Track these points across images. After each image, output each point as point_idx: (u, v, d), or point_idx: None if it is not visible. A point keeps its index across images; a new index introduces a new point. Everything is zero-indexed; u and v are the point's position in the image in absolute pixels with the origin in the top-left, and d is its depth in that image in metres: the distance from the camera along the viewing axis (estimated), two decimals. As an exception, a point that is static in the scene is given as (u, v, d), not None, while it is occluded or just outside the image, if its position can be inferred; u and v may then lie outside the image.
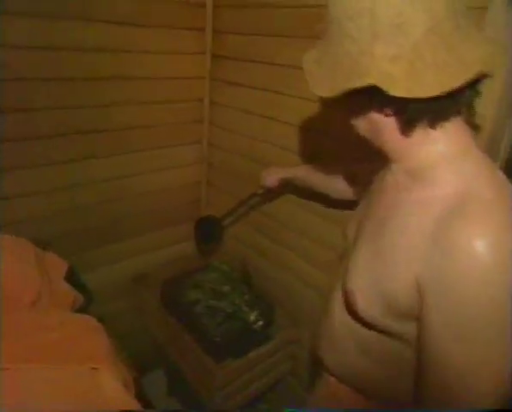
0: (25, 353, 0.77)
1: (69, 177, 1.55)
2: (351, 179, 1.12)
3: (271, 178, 1.38)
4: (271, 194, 1.56)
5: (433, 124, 0.61)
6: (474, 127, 0.67)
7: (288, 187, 1.47)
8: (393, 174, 0.70)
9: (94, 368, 0.81)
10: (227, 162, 1.90)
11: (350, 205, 1.22)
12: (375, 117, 0.64)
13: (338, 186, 1.18)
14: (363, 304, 0.73)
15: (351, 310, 0.78)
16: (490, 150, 0.97)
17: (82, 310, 1.14)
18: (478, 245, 0.54)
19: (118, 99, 1.59)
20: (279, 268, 1.75)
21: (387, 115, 0.63)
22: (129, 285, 1.86)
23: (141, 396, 0.95)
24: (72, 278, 1.21)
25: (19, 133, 1.38)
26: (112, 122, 1.60)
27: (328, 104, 0.65)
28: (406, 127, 0.62)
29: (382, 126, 0.65)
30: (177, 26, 1.65)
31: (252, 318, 1.62)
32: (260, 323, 1.61)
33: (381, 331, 0.74)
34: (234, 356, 1.52)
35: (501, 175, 0.63)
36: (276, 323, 1.68)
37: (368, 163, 0.88)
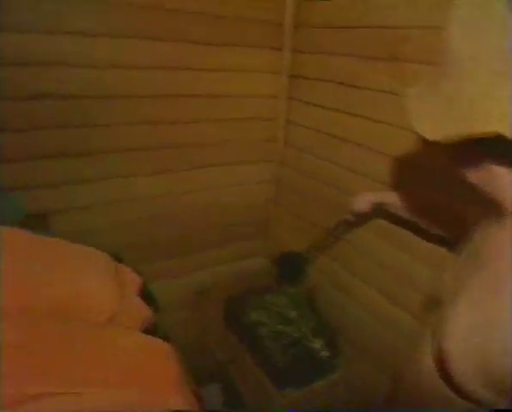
0: (100, 377, 0.77)
1: (140, 189, 1.60)
2: (447, 219, 1.02)
3: (364, 201, 1.30)
4: (359, 220, 1.47)
5: None
6: None
7: (374, 214, 1.39)
8: (507, 230, 0.61)
9: (162, 396, 0.80)
10: (298, 182, 1.86)
11: (439, 242, 1.13)
12: (490, 166, 0.56)
13: (429, 222, 1.09)
14: (460, 368, 0.64)
15: (443, 370, 0.70)
16: None
17: (151, 325, 1.15)
18: None
19: (192, 116, 1.61)
20: (351, 299, 1.66)
21: (504, 164, 0.55)
22: (192, 298, 1.87)
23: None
24: (143, 293, 1.22)
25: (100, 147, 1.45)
26: (183, 138, 1.62)
27: (425, 141, 0.58)
28: None
29: (498, 177, 0.57)
30: (252, 44, 1.64)
31: (317, 346, 1.56)
32: (326, 353, 1.55)
33: (472, 399, 0.65)
34: (297, 385, 1.47)
35: None
36: (342, 354, 1.61)
37: (473, 207, 0.79)
